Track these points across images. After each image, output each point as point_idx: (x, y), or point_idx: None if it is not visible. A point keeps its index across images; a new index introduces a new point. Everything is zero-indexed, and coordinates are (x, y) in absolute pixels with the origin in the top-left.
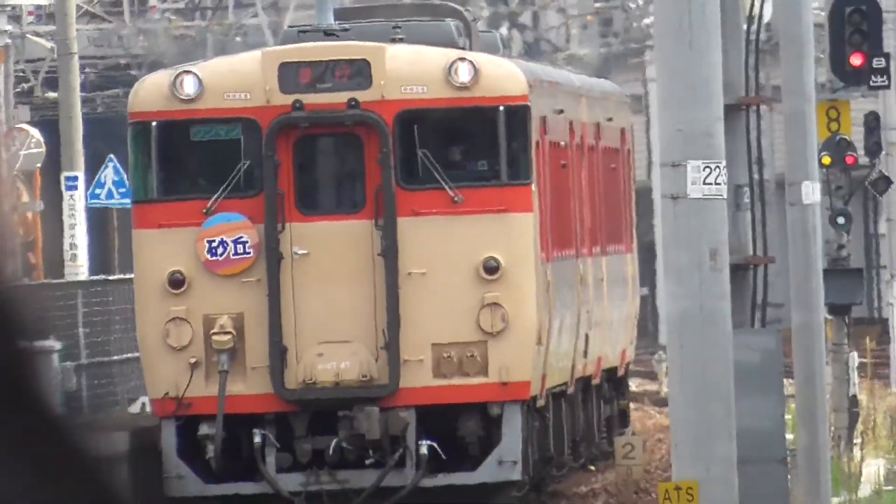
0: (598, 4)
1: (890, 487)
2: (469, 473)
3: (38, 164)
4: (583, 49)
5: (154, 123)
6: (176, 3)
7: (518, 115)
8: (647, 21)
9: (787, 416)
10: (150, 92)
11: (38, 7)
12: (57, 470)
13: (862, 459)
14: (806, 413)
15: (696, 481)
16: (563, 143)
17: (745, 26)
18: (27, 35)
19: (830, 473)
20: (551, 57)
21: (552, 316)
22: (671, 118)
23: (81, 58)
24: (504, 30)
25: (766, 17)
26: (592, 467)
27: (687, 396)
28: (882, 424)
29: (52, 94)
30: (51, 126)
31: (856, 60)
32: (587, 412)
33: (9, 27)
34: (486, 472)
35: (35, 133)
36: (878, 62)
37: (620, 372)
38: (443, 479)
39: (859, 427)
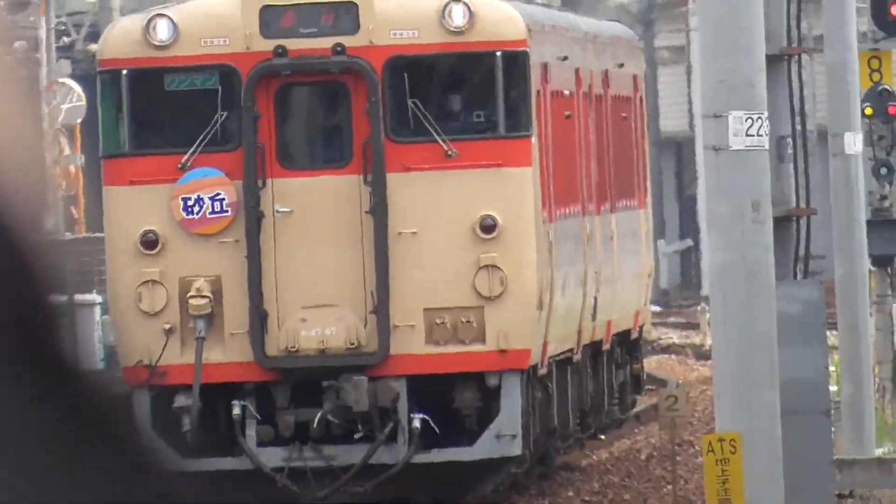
0: None
1: None
2: (465, 448)
3: (80, 119)
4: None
5: (125, 72)
6: None
7: (517, 61)
8: None
9: (831, 368)
10: (121, 37)
11: None
12: (78, 423)
13: None
14: (849, 364)
15: (740, 433)
16: (567, 91)
17: None
18: None
19: (874, 424)
20: (595, 7)
21: (555, 278)
22: (713, 69)
23: (123, 13)
24: None
25: None
26: (602, 437)
27: (730, 348)
28: None
29: (93, 48)
30: (92, 80)
31: None
32: (597, 379)
33: None
34: (484, 447)
35: (76, 87)
36: None
37: (634, 335)
38: (437, 455)
39: None
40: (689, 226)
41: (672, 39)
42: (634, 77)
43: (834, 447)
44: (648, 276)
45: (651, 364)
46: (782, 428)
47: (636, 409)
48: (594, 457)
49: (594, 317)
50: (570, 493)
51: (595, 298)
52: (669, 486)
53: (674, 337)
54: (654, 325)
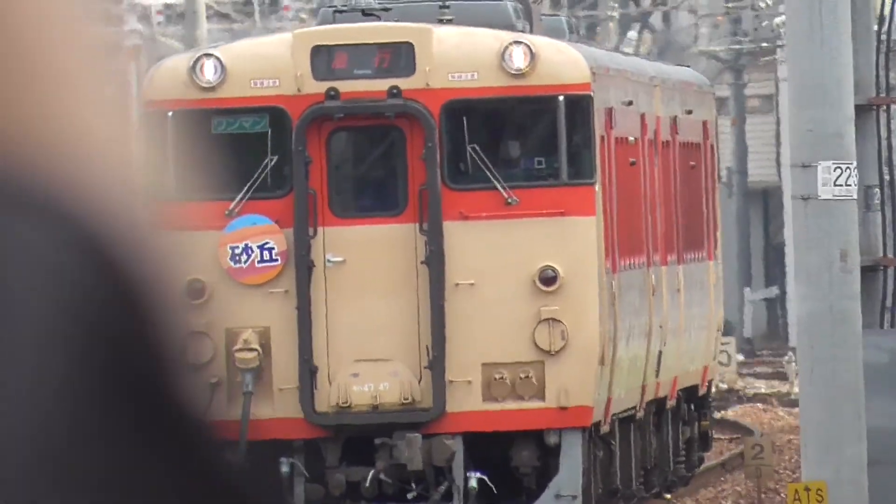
0: (729, 4)
1: None
2: None
3: None
4: (713, 46)
5: (170, 114)
6: (309, 3)
7: (580, 105)
8: (777, 20)
9: None
10: (167, 78)
11: (168, 7)
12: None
13: None
14: None
15: (825, 482)
16: (632, 138)
17: (875, 27)
18: (157, 36)
19: None
20: (682, 55)
21: (618, 332)
22: (802, 118)
23: None
24: (635, 32)
25: None
26: (668, 496)
27: (817, 397)
28: None
29: None
30: None
31: None
32: (661, 437)
33: (139, 26)
34: None
35: None
36: None
37: (702, 390)
38: None
39: None
40: (775, 274)
41: (761, 88)
42: (704, 123)
43: None
44: (718, 330)
45: (737, 412)
46: (868, 478)
47: (723, 458)
48: None
49: (658, 372)
50: None
51: (660, 353)
52: None
53: (761, 386)
54: (740, 374)
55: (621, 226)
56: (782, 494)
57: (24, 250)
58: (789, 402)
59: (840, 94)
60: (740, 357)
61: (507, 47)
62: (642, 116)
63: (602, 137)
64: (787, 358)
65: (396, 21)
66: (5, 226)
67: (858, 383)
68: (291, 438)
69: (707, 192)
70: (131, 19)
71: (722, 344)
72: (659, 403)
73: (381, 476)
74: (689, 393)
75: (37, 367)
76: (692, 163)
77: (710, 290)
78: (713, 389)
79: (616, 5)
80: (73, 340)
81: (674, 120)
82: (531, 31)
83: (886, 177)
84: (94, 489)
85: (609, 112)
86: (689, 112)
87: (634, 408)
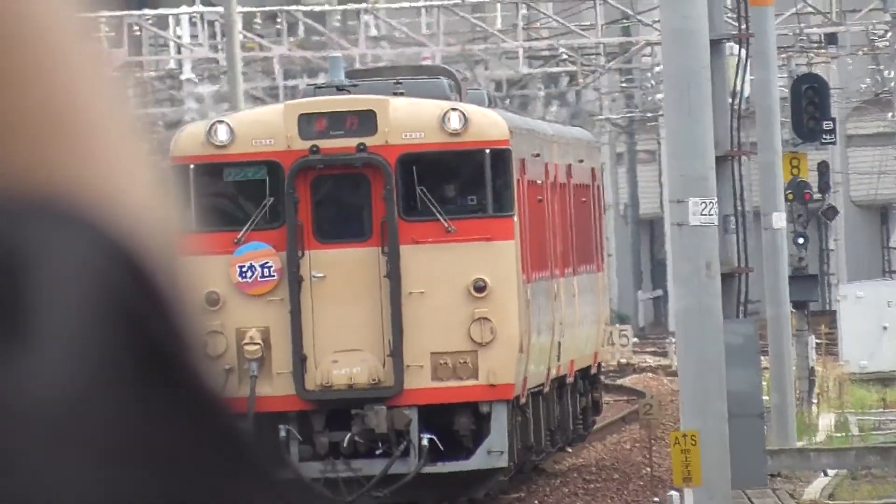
0: (623, 84)
1: (839, 434)
2: (463, 461)
3: None
4: (612, 115)
5: (192, 166)
6: None
7: (501, 157)
8: (658, 96)
9: (763, 383)
10: (189, 139)
11: (217, 93)
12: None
13: (818, 414)
14: (777, 380)
15: (698, 430)
16: (539, 181)
17: (730, 99)
18: (208, 112)
19: (795, 424)
20: (589, 122)
21: (531, 328)
22: (676, 167)
23: None
24: (554, 106)
25: (746, 92)
26: (569, 449)
27: (690, 369)
28: (832, 388)
29: None
30: None
31: (811, 123)
32: (562, 406)
33: (195, 105)
34: (478, 461)
35: None
36: (826, 125)
37: (593, 370)
38: (441, 467)
39: (816, 390)
40: (659, 280)
41: (647, 145)
42: (592, 170)
43: (766, 440)
44: (605, 324)
45: (633, 380)
46: (729, 426)
47: (622, 414)
48: (591, 448)
49: (560, 357)
50: (575, 475)
51: (560, 343)
52: (647, 469)
53: (650, 361)
54: (635, 352)
55: (532, 247)
56: (666, 440)
57: (70, 257)
58: (671, 372)
59: (704, 149)
60: (635, 340)
61: (445, 113)
62: (546, 165)
63: (518, 181)
64: (668, 340)
65: (362, 94)
66: (54, 235)
67: (720, 358)
68: (287, 410)
69: (595, 221)
70: (190, 101)
71: (622, 330)
72: (561, 381)
73: (356, 438)
74: (584, 372)
75: (80, 348)
76: (583, 199)
77: (599, 294)
78: (608, 365)
79: (542, 86)
80: (114, 329)
81: (569, 167)
82: (462, 101)
83: (739, 208)
84: (138, 457)
85: (522, 161)
86: (581, 161)
87: (543, 384)
